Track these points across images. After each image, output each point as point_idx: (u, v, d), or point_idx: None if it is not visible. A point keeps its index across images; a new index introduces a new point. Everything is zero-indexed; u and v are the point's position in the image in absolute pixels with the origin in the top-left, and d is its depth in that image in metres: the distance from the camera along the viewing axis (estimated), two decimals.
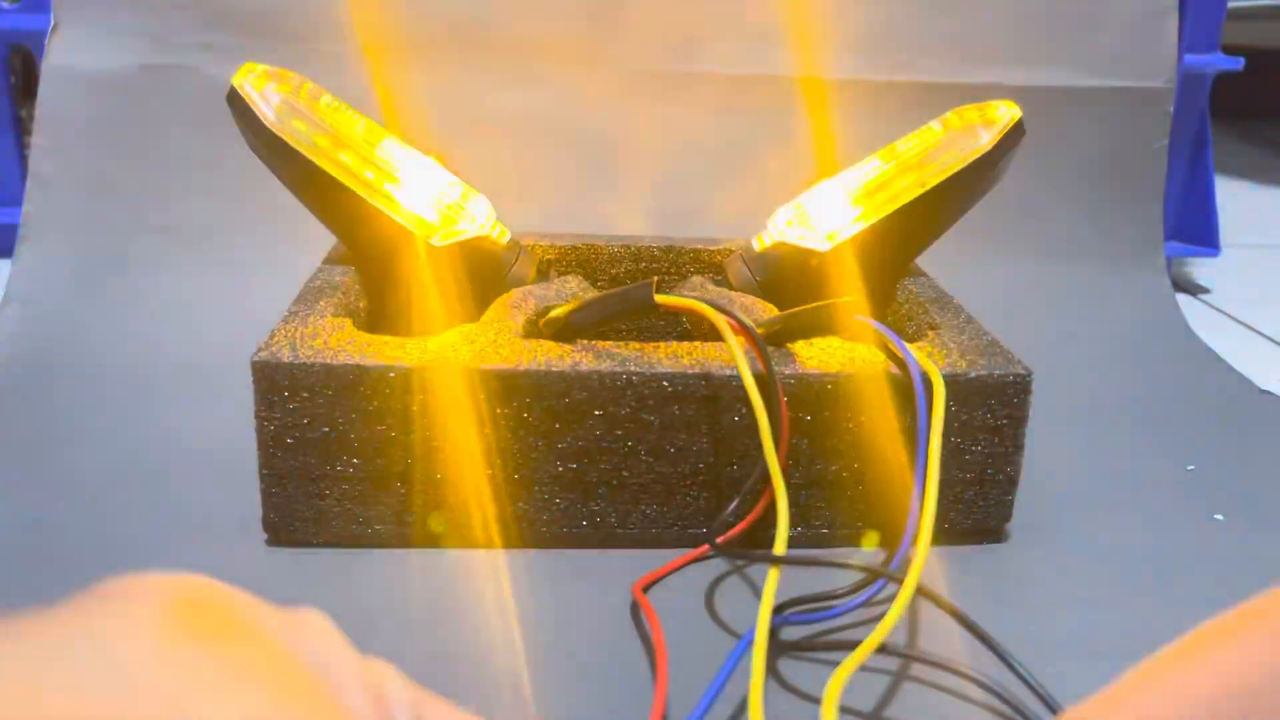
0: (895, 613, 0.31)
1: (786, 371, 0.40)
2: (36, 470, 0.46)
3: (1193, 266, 0.87)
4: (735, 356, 0.39)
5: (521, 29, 0.70)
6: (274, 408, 0.39)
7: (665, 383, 0.40)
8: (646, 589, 0.39)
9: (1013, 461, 0.42)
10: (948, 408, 0.40)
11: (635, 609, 0.37)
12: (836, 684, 0.28)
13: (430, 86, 0.70)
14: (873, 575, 0.37)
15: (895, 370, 0.41)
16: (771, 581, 0.33)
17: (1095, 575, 0.41)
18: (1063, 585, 0.41)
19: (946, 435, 0.41)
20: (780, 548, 0.35)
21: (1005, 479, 0.42)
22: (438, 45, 0.70)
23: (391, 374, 0.39)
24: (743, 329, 0.39)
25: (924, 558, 0.34)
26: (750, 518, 0.40)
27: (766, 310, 0.47)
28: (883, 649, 0.33)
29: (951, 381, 0.40)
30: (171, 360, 0.58)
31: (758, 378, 0.39)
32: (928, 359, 0.40)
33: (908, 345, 0.41)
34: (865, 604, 0.37)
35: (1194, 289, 0.83)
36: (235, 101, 0.45)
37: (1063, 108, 0.74)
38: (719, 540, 0.39)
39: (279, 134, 0.45)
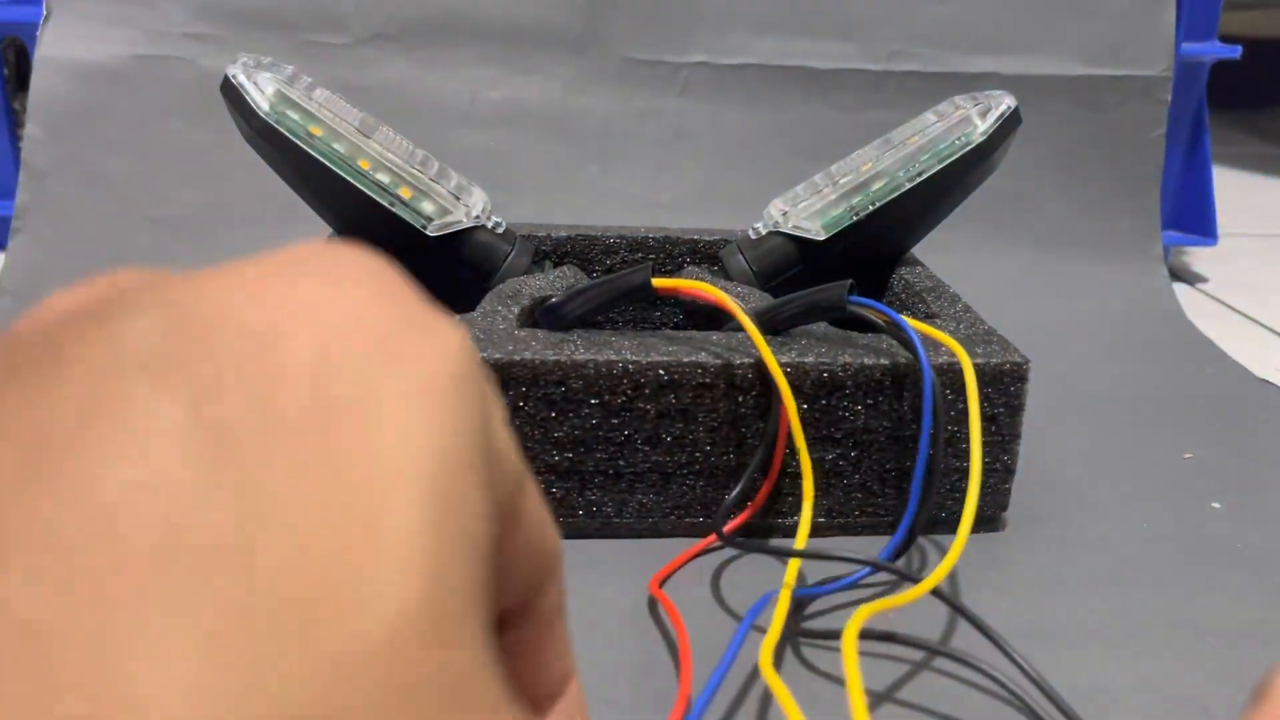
0: (936, 577, 0.32)
1: (781, 360, 0.40)
2: None
3: (1190, 255, 0.87)
4: (746, 327, 0.38)
5: (515, 18, 0.70)
6: None
7: (661, 371, 0.40)
8: (662, 584, 0.38)
9: (1009, 450, 0.42)
10: (944, 396, 0.40)
11: (653, 604, 0.37)
12: (855, 624, 0.28)
13: (424, 76, 0.70)
14: (902, 576, 0.37)
15: (890, 359, 0.41)
16: (792, 569, 0.33)
17: (1092, 563, 0.41)
18: (1060, 573, 0.41)
19: (942, 424, 0.41)
20: (802, 537, 0.36)
21: (1002, 468, 0.42)
22: (431, 35, 0.69)
23: None
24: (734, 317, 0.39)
25: (965, 537, 0.34)
26: (754, 505, 0.40)
27: (762, 300, 0.47)
28: (890, 637, 0.33)
29: (948, 370, 0.40)
30: None
31: (757, 364, 0.39)
32: (950, 338, 0.40)
33: (913, 325, 0.40)
34: (854, 586, 0.37)
35: (1191, 278, 0.83)
36: (229, 92, 0.45)
37: (1059, 96, 0.74)
38: (725, 530, 0.39)
39: (273, 124, 0.45)
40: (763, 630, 0.34)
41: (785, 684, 0.28)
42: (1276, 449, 0.52)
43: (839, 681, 0.33)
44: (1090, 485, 0.48)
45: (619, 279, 0.41)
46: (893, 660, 0.35)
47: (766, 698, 0.33)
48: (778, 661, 0.34)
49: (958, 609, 0.34)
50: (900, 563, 0.40)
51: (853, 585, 0.37)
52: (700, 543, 0.41)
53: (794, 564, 0.36)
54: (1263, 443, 0.53)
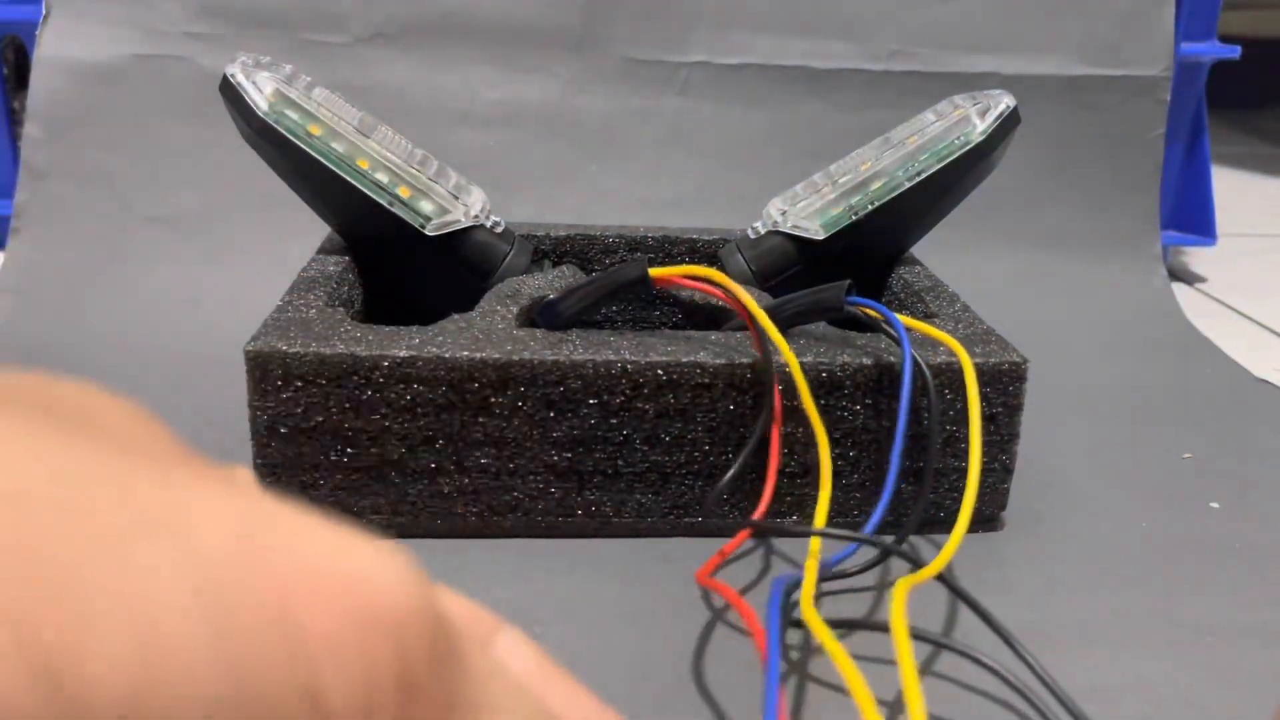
0: (955, 540, 0.33)
1: (781, 360, 0.40)
2: None
3: (1189, 255, 0.87)
4: (748, 304, 0.38)
5: (515, 17, 0.70)
6: (267, 397, 0.39)
7: (660, 371, 0.40)
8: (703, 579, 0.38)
9: (1008, 450, 0.42)
10: (942, 395, 0.40)
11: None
12: (901, 591, 0.28)
13: (423, 76, 0.70)
14: (886, 552, 0.37)
15: (889, 359, 0.41)
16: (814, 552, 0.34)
17: (1091, 563, 0.41)
18: (1058, 573, 0.41)
19: (941, 424, 0.41)
20: (821, 516, 0.37)
21: (1001, 467, 0.42)
22: (431, 34, 0.69)
23: (385, 363, 0.39)
24: (735, 299, 0.39)
25: (965, 525, 0.35)
26: (767, 494, 0.40)
27: (761, 300, 0.47)
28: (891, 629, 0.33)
29: (946, 369, 0.40)
30: (165, 351, 0.58)
31: (755, 363, 0.39)
32: (949, 337, 0.40)
33: (905, 326, 0.40)
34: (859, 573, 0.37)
35: (1190, 278, 0.83)
36: (228, 91, 0.45)
37: (1058, 96, 0.73)
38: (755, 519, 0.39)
39: (272, 124, 0.45)
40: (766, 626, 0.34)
41: (804, 666, 0.28)
42: (1275, 449, 0.52)
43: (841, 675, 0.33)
44: (1089, 485, 0.48)
45: (615, 272, 0.41)
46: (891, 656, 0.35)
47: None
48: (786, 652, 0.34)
49: (969, 602, 0.34)
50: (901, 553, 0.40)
51: (856, 570, 0.38)
52: (739, 537, 0.38)
53: (815, 541, 0.36)
54: (1261, 442, 0.53)
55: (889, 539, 0.40)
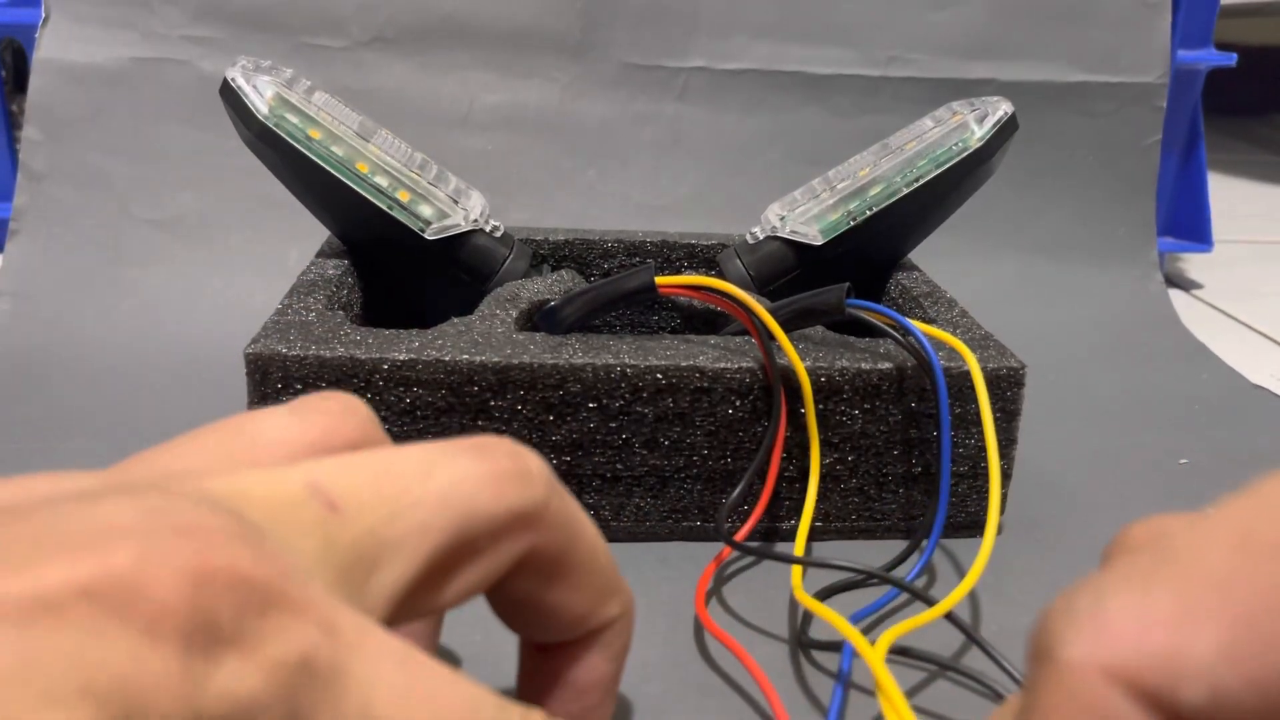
0: (959, 593, 0.32)
1: (781, 363, 0.40)
2: (28, 465, 0.46)
3: (1185, 262, 0.87)
4: (762, 315, 0.38)
5: (514, 22, 0.70)
6: (267, 400, 0.39)
7: (659, 375, 0.40)
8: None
9: (1006, 455, 0.42)
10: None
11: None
12: (883, 645, 0.28)
13: (423, 80, 0.70)
14: (902, 586, 0.37)
15: (888, 363, 0.41)
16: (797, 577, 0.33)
17: (1088, 568, 0.41)
18: (1055, 577, 0.41)
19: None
20: (800, 542, 0.37)
21: (999, 472, 0.42)
22: (430, 39, 0.69)
23: (385, 366, 0.39)
24: (747, 310, 0.39)
25: (991, 543, 0.34)
26: (758, 511, 0.40)
27: (760, 303, 0.47)
28: (904, 651, 0.33)
29: (946, 373, 0.40)
30: (164, 354, 0.58)
31: (755, 368, 0.39)
32: (957, 340, 0.40)
33: (918, 326, 0.40)
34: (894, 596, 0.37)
35: (1186, 284, 0.83)
36: (228, 95, 0.45)
37: (1055, 103, 0.74)
38: (737, 537, 0.39)
39: (271, 127, 0.45)
40: (772, 638, 0.34)
41: (804, 687, 0.28)
42: (1271, 455, 0.53)
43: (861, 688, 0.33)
44: (1086, 490, 0.48)
45: (621, 280, 0.41)
46: (895, 673, 0.35)
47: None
48: (787, 670, 0.35)
49: (971, 637, 0.34)
50: (912, 569, 0.40)
51: (876, 598, 0.37)
52: (717, 555, 0.39)
53: (797, 570, 0.36)
54: (1257, 448, 0.53)
55: (906, 535, 0.40)
